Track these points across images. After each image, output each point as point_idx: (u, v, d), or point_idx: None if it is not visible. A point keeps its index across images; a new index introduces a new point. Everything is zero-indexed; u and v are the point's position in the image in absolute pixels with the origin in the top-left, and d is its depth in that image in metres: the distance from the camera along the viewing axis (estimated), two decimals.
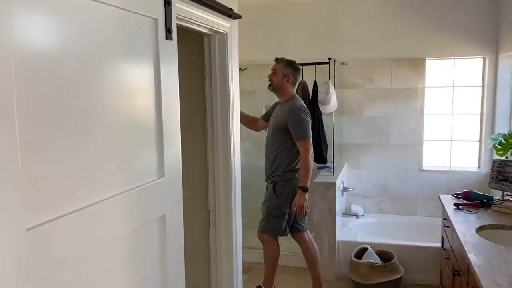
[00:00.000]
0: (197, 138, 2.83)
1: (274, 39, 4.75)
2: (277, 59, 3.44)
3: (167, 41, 1.60)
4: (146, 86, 1.54)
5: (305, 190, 3.23)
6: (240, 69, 4.39)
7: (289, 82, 3.39)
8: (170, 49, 1.64)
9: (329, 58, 4.05)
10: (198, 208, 2.89)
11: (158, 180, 1.60)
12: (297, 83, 3.90)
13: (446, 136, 4.60)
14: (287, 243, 3.83)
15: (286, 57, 3.44)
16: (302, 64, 4.12)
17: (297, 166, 3.31)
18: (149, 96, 1.56)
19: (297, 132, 3.24)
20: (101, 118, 1.31)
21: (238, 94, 2.81)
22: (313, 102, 4.11)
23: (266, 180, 3.50)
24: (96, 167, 1.29)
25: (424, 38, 4.37)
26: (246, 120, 3.61)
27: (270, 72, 3.44)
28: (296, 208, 3.23)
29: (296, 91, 4.04)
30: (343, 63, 4.56)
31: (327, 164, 4.27)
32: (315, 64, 4.11)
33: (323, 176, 4.14)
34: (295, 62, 3.44)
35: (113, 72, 1.36)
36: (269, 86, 3.45)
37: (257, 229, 3.49)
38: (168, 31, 1.60)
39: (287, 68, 3.36)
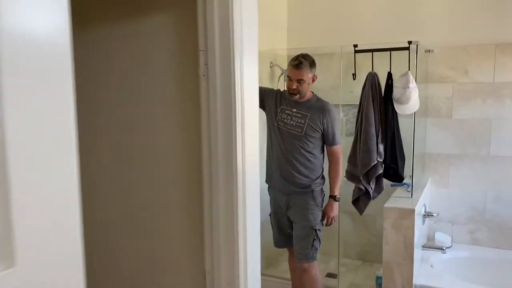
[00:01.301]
0: (188, 151, 1.93)
1: (336, 19, 3.80)
2: (298, 64, 2.80)
3: None
4: None
5: (338, 199, 2.99)
6: (282, 74, 3.60)
7: (314, 82, 2.91)
8: None
9: (409, 42, 3.03)
10: (184, 267, 1.99)
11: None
12: (367, 75, 3.10)
13: None
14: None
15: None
16: (372, 51, 3.15)
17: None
18: None
19: (335, 136, 2.91)
20: None
21: (257, 90, 1.86)
22: (386, 100, 3.12)
23: (285, 192, 2.96)
24: None
25: None
26: None
27: (301, 78, 2.82)
28: (330, 220, 2.98)
29: (364, 86, 3.10)
30: (428, 50, 3.52)
31: (405, 181, 3.26)
32: (390, 50, 3.11)
33: (397, 199, 3.14)
34: (309, 55, 2.90)
35: None
36: (294, 95, 2.88)
37: (292, 256, 3.07)
38: None
39: (312, 70, 2.85)
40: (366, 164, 3.06)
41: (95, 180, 2.11)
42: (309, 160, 2.89)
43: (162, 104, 1.91)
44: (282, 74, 3.74)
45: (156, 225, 2.00)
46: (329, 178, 2.98)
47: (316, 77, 2.90)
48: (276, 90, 3.03)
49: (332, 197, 2.96)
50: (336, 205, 2.97)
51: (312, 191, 2.92)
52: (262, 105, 2.98)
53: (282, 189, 2.96)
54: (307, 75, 2.81)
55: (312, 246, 2.90)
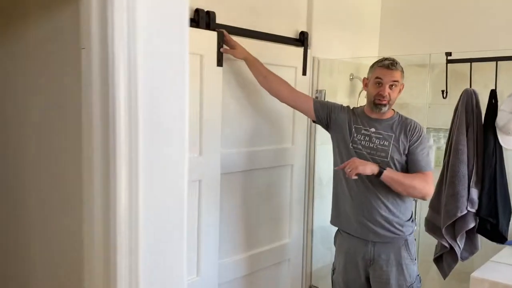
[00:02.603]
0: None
1: (431, 24, 3.00)
2: (392, 63, 2.16)
3: None
4: None
5: (380, 173, 2.06)
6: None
7: (400, 93, 2.23)
8: None
9: None
10: None
11: None
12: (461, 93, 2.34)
13: None
14: None
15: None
16: (471, 60, 2.34)
17: None
18: None
19: (427, 161, 2.18)
20: None
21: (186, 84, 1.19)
22: (486, 127, 2.29)
23: (369, 238, 2.21)
24: None
25: None
26: (265, 77, 2.34)
27: (396, 80, 2.16)
28: (351, 165, 2.06)
29: (456, 107, 2.33)
30: None
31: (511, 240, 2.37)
32: (496, 59, 2.27)
33: (497, 266, 2.26)
34: None
35: None
36: (382, 105, 2.17)
37: None
38: None
39: (403, 75, 2.20)
40: (450, 213, 2.26)
41: None
42: (397, 195, 2.16)
43: None
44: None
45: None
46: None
47: (403, 87, 2.22)
48: (346, 106, 2.37)
49: (381, 168, 2.07)
50: (372, 166, 2.07)
51: (406, 239, 2.19)
52: (326, 122, 2.35)
53: (363, 234, 2.22)
54: (401, 79, 2.17)
55: None
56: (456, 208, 2.25)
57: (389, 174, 2.07)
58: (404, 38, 3.13)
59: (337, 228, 2.38)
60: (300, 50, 2.72)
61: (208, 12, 2.21)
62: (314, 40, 2.79)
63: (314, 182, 2.90)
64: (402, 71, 2.17)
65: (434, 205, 2.41)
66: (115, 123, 0.93)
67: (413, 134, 2.16)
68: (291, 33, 2.69)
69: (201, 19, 2.18)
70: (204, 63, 2.18)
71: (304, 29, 2.74)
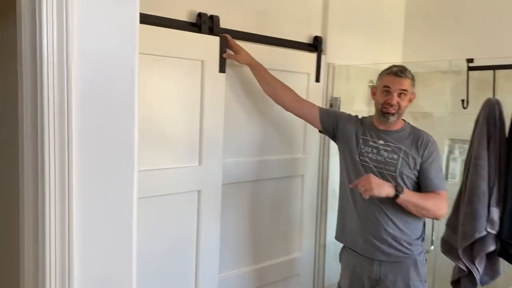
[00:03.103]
0: None
1: (456, 29, 2.80)
2: (401, 70, 2.01)
3: None
4: None
5: (397, 195, 1.90)
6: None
7: (411, 103, 2.07)
8: None
9: None
10: None
11: None
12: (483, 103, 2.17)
13: None
14: None
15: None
16: (495, 68, 2.15)
17: None
18: None
19: (440, 178, 2.02)
20: None
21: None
22: (510, 140, 2.09)
23: (374, 257, 2.06)
24: None
25: None
26: (269, 84, 2.23)
27: (405, 89, 2.01)
28: (364, 182, 1.90)
29: (477, 119, 2.16)
30: None
31: None
32: None
33: None
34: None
35: None
36: (390, 114, 2.02)
37: None
38: None
39: (414, 84, 2.05)
40: (467, 234, 2.07)
41: None
42: (406, 212, 1.99)
43: None
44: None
45: None
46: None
47: (415, 96, 2.07)
48: (354, 116, 2.23)
49: (398, 190, 1.91)
50: (388, 187, 1.91)
51: (415, 260, 2.03)
52: (332, 133, 2.22)
53: (368, 252, 2.08)
54: (410, 87, 2.01)
55: None
56: (473, 229, 2.05)
57: (405, 198, 1.92)
58: (430, 43, 2.94)
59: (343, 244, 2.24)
60: (313, 55, 2.59)
61: (211, 16, 2.13)
62: (330, 45, 2.66)
63: (327, 194, 2.75)
64: (413, 79, 2.01)
65: (451, 223, 2.22)
66: (44, 133, 0.85)
67: (425, 148, 2.00)
68: (304, 38, 2.57)
69: (204, 23, 2.10)
70: (206, 69, 2.09)
71: (318, 34, 2.61)
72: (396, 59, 3.09)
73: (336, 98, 2.70)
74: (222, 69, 2.15)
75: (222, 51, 2.14)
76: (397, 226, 2.00)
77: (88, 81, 0.91)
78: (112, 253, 0.98)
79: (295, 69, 2.50)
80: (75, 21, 0.86)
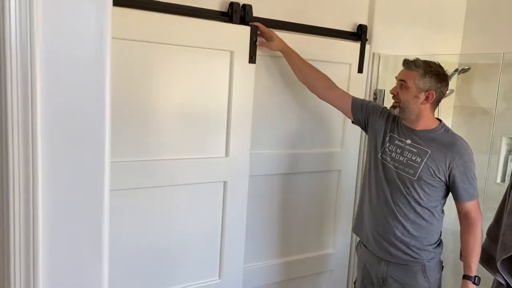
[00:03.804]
0: None
1: None
2: (408, 63, 1.93)
3: None
4: None
5: (478, 283, 1.91)
6: (457, 70, 2.57)
7: (429, 101, 1.90)
8: None
9: None
10: None
11: None
12: None
13: None
14: None
15: None
16: None
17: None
18: None
19: (469, 189, 1.89)
20: None
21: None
22: None
23: (382, 256, 2.02)
24: None
25: None
26: (301, 71, 2.17)
27: (403, 79, 1.93)
28: None
29: None
30: None
31: None
32: None
33: None
34: (440, 66, 1.93)
35: None
36: (393, 106, 1.98)
37: None
38: None
39: (425, 79, 1.88)
40: (507, 246, 1.89)
41: None
42: (421, 217, 1.93)
43: None
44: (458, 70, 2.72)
45: None
46: (461, 247, 1.94)
47: (434, 95, 1.89)
48: (388, 110, 2.09)
49: (468, 277, 1.89)
50: None
51: (424, 265, 1.95)
52: (363, 125, 2.15)
53: (376, 250, 2.04)
54: (414, 80, 1.88)
55: None
56: None
57: (474, 268, 1.90)
58: (492, 34, 2.69)
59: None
60: (357, 45, 2.46)
61: (243, 6, 2.08)
62: (376, 34, 2.51)
63: None
64: (424, 75, 1.87)
65: (492, 232, 2.04)
66: (8, 128, 0.87)
67: (456, 156, 1.87)
68: (346, 26, 2.44)
69: (235, 13, 2.06)
70: (235, 60, 2.06)
71: (363, 22, 2.47)
72: (455, 50, 2.86)
73: (381, 91, 2.56)
74: (252, 59, 2.11)
75: (252, 40, 2.09)
76: (408, 231, 1.94)
77: (54, 75, 0.91)
78: (79, 259, 1.00)
79: (335, 59, 2.39)
80: (40, 16, 0.86)
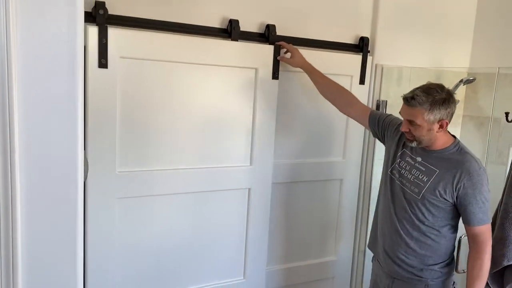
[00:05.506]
0: None
1: None
2: (409, 101, 1.81)
3: None
4: None
5: None
6: (462, 81, 2.58)
7: (444, 128, 1.84)
8: None
9: None
10: None
11: None
12: None
13: None
14: None
15: None
16: None
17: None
18: None
19: (478, 213, 1.79)
20: None
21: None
22: None
23: (388, 271, 2.02)
24: None
25: None
26: (322, 88, 2.24)
27: (411, 119, 1.86)
28: None
29: None
30: None
31: None
32: None
33: None
34: (441, 87, 1.82)
35: None
36: (408, 140, 1.91)
37: None
38: None
39: (434, 112, 1.79)
40: (496, 260, 1.90)
41: None
42: (425, 235, 1.90)
43: None
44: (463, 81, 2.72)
45: None
46: (467, 272, 1.87)
47: (447, 122, 1.83)
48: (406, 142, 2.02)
49: None
50: None
51: (427, 284, 1.92)
52: (381, 139, 2.16)
53: (384, 266, 2.04)
54: (423, 117, 1.79)
55: None
56: (502, 256, 1.88)
57: None
58: (503, 46, 2.67)
59: None
60: (358, 57, 2.50)
61: (268, 26, 2.22)
62: (378, 46, 2.54)
63: (370, 200, 2.68)
64: (432, 106, 1.77)
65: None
66: None
67: (465, 177, 1.79)
68: (347, 39, 2.48)
69: (234, 30, 2.14)
70: (259, 76, 2.20)
71: (365, 34, 2.50)
72: (463, 63, 2.85)
73: (383, 101, 2.59)
74: (275, 75, 2.23)
75: (275, 58, 2.22)
76: (411, 248, 1.92)
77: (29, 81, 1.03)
78: (56, 258, 1.12)
79: (336, 72, 2.42)
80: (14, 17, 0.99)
